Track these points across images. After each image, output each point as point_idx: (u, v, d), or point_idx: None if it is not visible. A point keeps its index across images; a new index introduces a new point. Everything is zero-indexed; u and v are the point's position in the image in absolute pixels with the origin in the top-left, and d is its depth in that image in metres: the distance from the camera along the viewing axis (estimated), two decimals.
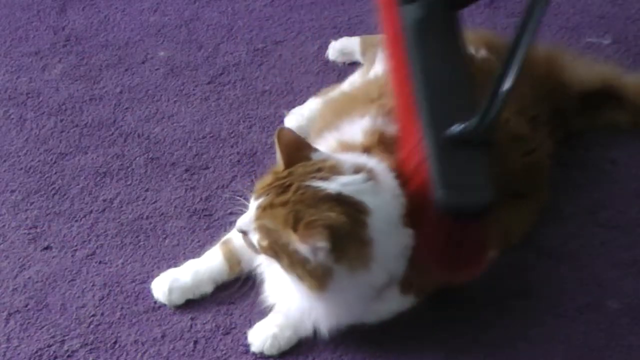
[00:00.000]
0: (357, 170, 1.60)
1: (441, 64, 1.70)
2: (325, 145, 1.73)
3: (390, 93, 1.77)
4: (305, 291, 1.58)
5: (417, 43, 1.72)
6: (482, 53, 1.92)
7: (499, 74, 1.55)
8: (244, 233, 1.62)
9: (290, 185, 1.57)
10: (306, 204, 1.55)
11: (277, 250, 1.57)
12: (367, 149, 1.69)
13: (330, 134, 1.77)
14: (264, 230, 1.58)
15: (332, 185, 1.57)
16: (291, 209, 1.55)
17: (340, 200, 1.56)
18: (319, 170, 1.59)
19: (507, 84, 1.55)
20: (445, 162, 1.58)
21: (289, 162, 1.61)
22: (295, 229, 1.53)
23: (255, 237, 1.60)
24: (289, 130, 1.67)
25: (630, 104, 2.04)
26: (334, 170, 1.59)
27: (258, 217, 1.58)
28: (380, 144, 1.70)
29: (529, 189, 1.81)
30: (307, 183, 1.57)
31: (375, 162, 1.64)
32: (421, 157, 1.61)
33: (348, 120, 1.77)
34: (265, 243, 1.58)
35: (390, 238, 1.59)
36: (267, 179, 1.62)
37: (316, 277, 1.55)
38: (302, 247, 1.53)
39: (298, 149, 1.62)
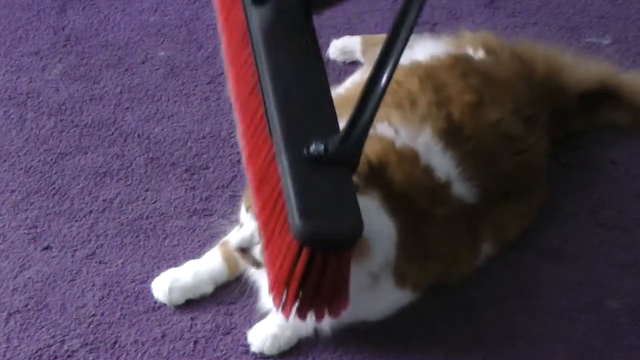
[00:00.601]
0: None
1: (295, 75, 1.52)
2: None
3: (234, 104, 1.62)
4: None
5: (268, 51, 1.53)
6: (480, 54, 1.92)
7: (363, 91, 1.43)
8: (244, 250, 1.60)
9: None
10: None
11: None
12: None
13: None
14: None
15: None
16: None
17: None
18: None
19: (371, 103, 1.42)
20: (306, 184, 1.39)
21: None
22: None
23: (258, 252, 1.58)
24: None
25: (627, 102, 2.04)
26: None
27: None
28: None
29: (524, 188, 1.81)
30: None
31: None
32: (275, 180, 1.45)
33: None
34: None
35: (381, 222, 1.58)
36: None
37: None
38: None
39: None
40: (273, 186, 1.46)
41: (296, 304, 1.45)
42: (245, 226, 1.60)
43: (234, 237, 1.61)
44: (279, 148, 1.43)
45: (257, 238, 1.56)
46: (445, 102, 1.76)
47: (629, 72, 2.12)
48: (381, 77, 1.43)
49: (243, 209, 1.62)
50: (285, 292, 1.44)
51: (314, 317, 1.49)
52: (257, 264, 1.60)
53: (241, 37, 1.60)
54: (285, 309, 1.46)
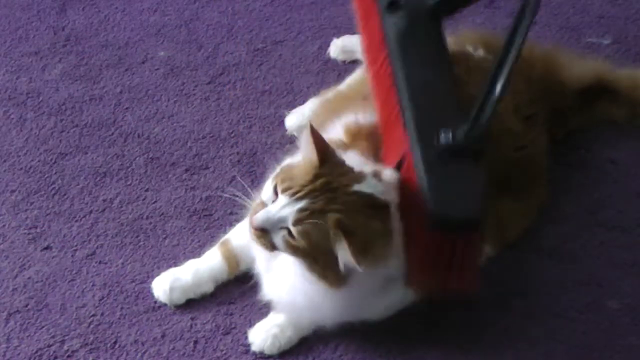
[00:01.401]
0: (375, 173, 1.59)
1: (427, 74, 1.69)
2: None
3: (373, 105, 1.75)
4: (321, 288, 1.57)
5: (402, 53, 1.71)
6: (480, 52, 1.92)
7: (489, 81, 1.54)
8: (263, 231, 1.58)
9: (336, 189, 1.55)
10: (354, 210, 1.54)
11: (311, 252, 1.55)
12: (347, 146, 1.68)
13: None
14: (307, 233, 1.53)
15: (365, 188, 1.56)
16: (344, 216, 1.52)
17: (374, 205, 1.56)
18: (351, 171, 1.58)
19: (497, 91, 1.54)
20: (436, 173, 1.55)
21: (322, 159, 1.57)
22: (350, 242, 1.50)
23: (280, 236, 1.55)
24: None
25: (624, 97, 2.05)
26: (360, 172, 1.59)
27: (304, 220, 1.53)
28: (362, 138, 1.70)
29: (524, 187, 1.81)
30: (351, 188, 1.55)
31: (372, 165, 1.63)
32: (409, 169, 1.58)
33: (337, 120, 1.77)
34: (303, 244, 1.54)
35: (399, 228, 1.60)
36: (303, 174, 1.57)
37: (339, 275, 1.55)
38: (349, 258, 1.50)
39: (326, 146, 1.59)
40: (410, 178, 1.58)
41: (431, 281, 1.59)
42: (273, 206, 1.56)
43: (259, 215, 1.56)
44: (412, 140, 1.59)
45: (283, 222, 1.54)
46: None
47: (624, 67, 2.13)
48: (503, 69, 1.54)
49: (269, 189, 1.59)
50: (420, 271, 1.58)
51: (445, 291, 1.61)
52: (272, 247, 1.58)
53: (380, 42, 1.77)
54: (420, 285, 1.61)
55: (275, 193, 1.57)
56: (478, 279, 1.61)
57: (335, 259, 1.53)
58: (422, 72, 1.69)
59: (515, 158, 1.79)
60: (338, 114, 1.79)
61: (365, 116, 1.74)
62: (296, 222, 1.53)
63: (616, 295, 1.78)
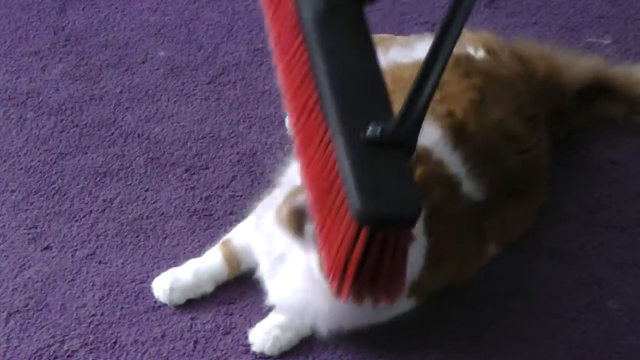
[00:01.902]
0: None
1: (350, 63, 1.54)
2: None
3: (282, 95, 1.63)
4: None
5: (321, 39, 1.55)
6: (481, 54, 1.92)
7: (421, 72, 1.45)
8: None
9: None
10: None
11: None
12: None
13: None
14: None
15: None
16: None
17: None
18: None
19: (430, 83, 1.44)
20: (363, 166, 1.42)
21: None
22: None
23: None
24: None
25: (621, 95, 2.05)
26: None
27: None
28: None
29: (527, 188, 1.81)
30: None
31: None
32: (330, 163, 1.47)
33: None
34: None
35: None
36: None
37: None
38: None
39: None
40: (329, 170, 1.47)
41: (354, 288, 1.44)
42: None
43: (302, 197, 1.51)
44: (335, 132, 1.45)
45: None
46: (449, 101, 1.76)
47: (620, 64, 2.13)
48: (437, 61, 1.45)
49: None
50: (342, 274, 1.43)
51: (371, 301, 1.49)
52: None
53: (292, 28, 1.62)
54: (342, 292, 1.45)
55: None
56: (404, 284, 1.49)
57: None
58: (346, 60, 1.53)
59: (519, 161, 1.79)
60: None
61: None
62: None
63: (616, 295, 1.78)
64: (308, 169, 1.52)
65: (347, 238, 1.41)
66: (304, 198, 1.52)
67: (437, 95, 1.74)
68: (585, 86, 2.03)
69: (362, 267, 1.42)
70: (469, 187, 1.70)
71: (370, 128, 1.44)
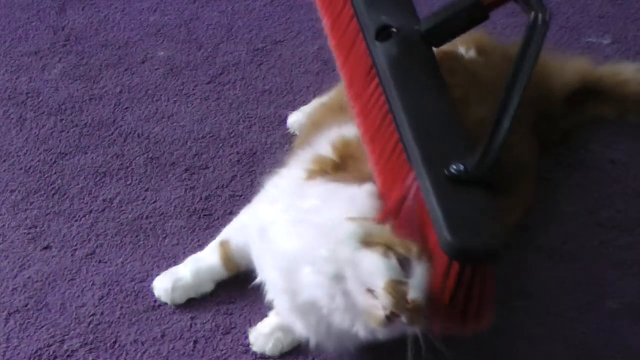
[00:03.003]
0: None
1: (427, 104, 1.60)
2: (299, 165, 1.69)
3: (363, 142, 1.66)
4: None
5: (397, 82, 1.62)
6: (472, 54, 1.92)
7: (499, 109, 1.50)
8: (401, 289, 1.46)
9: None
10: None
11: None
12: (338, 166, 1.65)
13: (304, 152, 1.73)
14: None
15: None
16: None
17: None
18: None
19: (507, 122, 1.50)
20: (451, 203, 1.47)
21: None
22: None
23: None
24: None
25: (609, 95, 2.05)
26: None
27: None
28: (352, 156, 1.66)
29: (507, 187, 1.79)
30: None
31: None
32: (413, 203, 1.51)
33: (321, 135, 1.74)
34: None
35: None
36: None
37: None
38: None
39: None
40: (418, 208, 1.51)
41: (447, 316, 1.48)
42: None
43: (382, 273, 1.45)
44: (420, 172, 1.51)
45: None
46: None
47: (605, 65, 2.13)
48: (514, 98, 1.49)
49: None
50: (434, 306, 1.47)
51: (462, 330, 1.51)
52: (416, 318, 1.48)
53: (366, 73, 1.68)
54: (434, 323, 1.47)
55: (404, 263, 1.48)
56: (493, 313, 1.53)
57: None
58: (422, 101, 1.61)
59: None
60: (323, 127, 1.76)
61: (353, 128, 1.70)
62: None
63: (616, 295, 1.78)
64: (393, 210, 1.54)
65: (439, 273, 1.45)
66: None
67: None
68: (574, 90, 2.02)
69: (454, 299, 1.46)
70: None
71: (453, 166, 1.50)
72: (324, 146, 1.69)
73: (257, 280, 1.68)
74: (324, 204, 1.56)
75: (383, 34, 1.68)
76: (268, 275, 1.63)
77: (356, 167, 1.64)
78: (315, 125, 1.82)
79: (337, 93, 1.93)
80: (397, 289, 1.43)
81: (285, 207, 1.60)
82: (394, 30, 1.68)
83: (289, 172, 1.71)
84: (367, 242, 1.47)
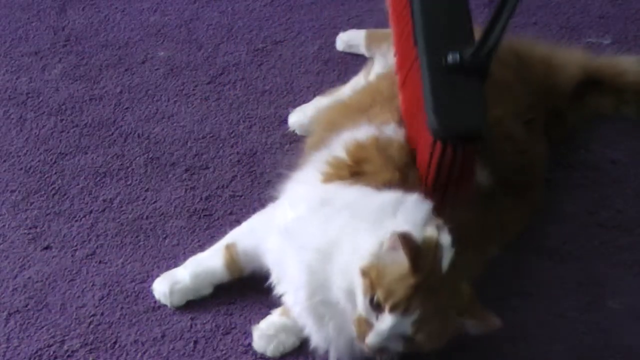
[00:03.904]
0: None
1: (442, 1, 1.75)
2: (316, 167, 1.71)
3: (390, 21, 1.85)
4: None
5: None
6: None
7: (496, 8, 1.59)
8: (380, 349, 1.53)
9: (438, 287, 1.51)
10: (457, 288, 1.55)
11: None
12: (353, 169, 1.67)
13: (320, 153, 1.74)
14: (430, 334, 1.52)
15: (446, 260, 1.54)
16: (457, 300, 1.54)
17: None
18: (439, 256, 1.53)
19: (503, 16, 1.59)
20: (441, 87, 1.62)
21: (415, 266, 1.50)
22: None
23: (399, 344, 1.52)
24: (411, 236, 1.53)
25: (608, 85, 2.05)
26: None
27: (422, 326, 1.50)
28: (366, 160, 1.68)
29: (523, 190, 1.81)
30: (444, 270, 1.53)
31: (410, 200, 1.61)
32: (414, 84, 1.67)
33: (337, 136, 1.75)
34: (426, 340, 1.52)
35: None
36: (399, 283, 1.49)
37: None
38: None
39: (418, 252, 1.51)
40: (414, 88, 1.68)
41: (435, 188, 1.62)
42: (382, 325, 1.50)
43: (372, 338, 1.50)
44: (421, 55, 1.67)
45: (400, 335, 1.50)
46: None
47: (603, 56, 2.13)
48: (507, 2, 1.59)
49: (363, 301, 1.52)
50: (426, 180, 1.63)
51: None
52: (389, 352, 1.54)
53: None
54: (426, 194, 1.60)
55: (376, 306, 1.51)
56: (473, 186, 1.67)
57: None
58: None
59: (516, 162, 1.79)
60: (338, 129, 1.77)
61: (366, 131, 1.72)
62: (415, 332, 1.50)
63: (616, 295, 1.78)
64: (402, 91, 1.73)
65: (426, 151, 1.62)
66: (373, 335, 1.51)
67: None
68: (578, 82, 2.03)
69: (438, 174, 1.61)
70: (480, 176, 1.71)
71: (450, 55, 1.64)
72: (339, 149, 1.71)
73: (271, 280, 1.68)
74: (355, 206, 1.60)
75: None
76: (289, 272, 1.63)
77: (373, 171, 1.65)
78: (331, 125, 1.82)
79: (355, 93, 1.93)
80: (361, 324, 1.52)
81: (312, 207, 1.64)
82: None
83: (307, 175, 1.72)
84: (364, 272, 1.51)
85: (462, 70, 1.63)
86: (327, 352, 1.64)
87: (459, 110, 1.61)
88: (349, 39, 2.26)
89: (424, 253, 1.50)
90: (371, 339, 1.51)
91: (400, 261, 1.49)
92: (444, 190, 1.62)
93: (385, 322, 1.50)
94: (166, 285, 1.74)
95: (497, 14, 1.59)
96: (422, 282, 1.49)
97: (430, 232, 1.53)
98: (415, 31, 1.72)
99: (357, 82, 2.01)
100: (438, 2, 1.75)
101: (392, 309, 1.49)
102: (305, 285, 1.59)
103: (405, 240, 1.48)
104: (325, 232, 1.59)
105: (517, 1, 1.58)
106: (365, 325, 1.52)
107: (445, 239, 1.54)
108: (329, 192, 1.65)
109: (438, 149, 1.59)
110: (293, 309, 1.64)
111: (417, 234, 1.51)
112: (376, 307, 1.50)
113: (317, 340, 1.63)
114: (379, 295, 1.49)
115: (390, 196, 1.60)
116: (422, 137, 1.64)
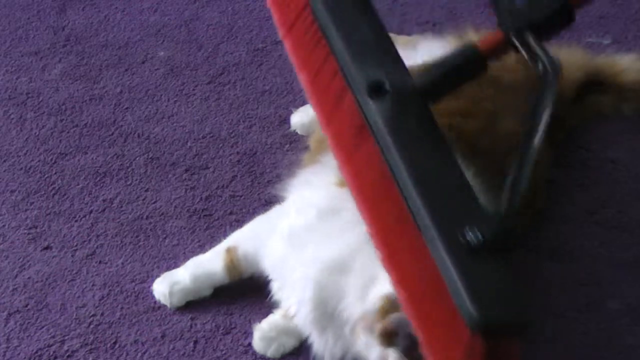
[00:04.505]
0: None
1: (431, 164, 1.45)
2: (327, 171, 1.65)
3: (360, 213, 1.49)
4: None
5: (397, 143, 1.44)
6: None
7: (514, 172, 1.39)
8: (393, 332, 1.45)
9: None
10: None
11: None
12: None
13: (329, 156, 1.62)
14: None
15: None
16: None
17: None
18: None
19: (523, 181, 1.38)
20: (470, 274, 1.33)
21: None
22: None
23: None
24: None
25: (608, 84, 2.05)
26: None
27: None
28: None
29: (527, 200, 1.79)
30: None
31: None
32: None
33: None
34: None
35: None
36: None
37: None
38: None
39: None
40: (429, 278, 1.39)
41: None
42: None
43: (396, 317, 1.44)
44: (431, 239, 1.37)
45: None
46: (464, 112, 1.72)
47: (603, 55, 2.13)
48: (526, 163, 1.40)
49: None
50: None
51: None
52: (387, 344, 1.47)
53: (355, 133, 1.51)
54: None
55: None
56: None
57: None
58: (426, 163, 1.45)
59: None
60: None
61: None
62: None
63: (616, 295, 1.77)
64: (403, 281, 1.43)
65: (458, 348, 1.34)
66: (399, 316, 1.44)
67: (454, 104, 1.68)
68: (580, 86, 2.02)
69: None
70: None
71: (469, 233, 1.36)
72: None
73: (272, 287, 1.67)
74: None
75: (377, 90, 1.49)
76: (292, 283, 1.60)
77: None
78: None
79: None
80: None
81: (323, 214, 1.58)
82: (387, 86, 1.49)
83: (316, 177, 1.69)
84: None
85: (486, 250, 1.35)
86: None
87: (500, 300, 1.33)
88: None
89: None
90: (397, 317, 1.43)
91: None
92: None
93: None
94: (166, 286, 1.74)
95: (514, 181, 1.38)
96: None
97: None
98: (412, 210, 1.40)
99: None
100: (431, 171, 1.44)
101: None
102: (311, 301, 1.56)
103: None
104: (337, 246, 1.53)
105: (533, 167, 1.38)
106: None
107: None
108: (342, 198, 1.54)
109: (479, 346, 1.31)
110: (295, 318, 1.64)
111: None
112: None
113: (317, 347, 1.62)
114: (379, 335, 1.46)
115: None
116: (446, 326, 1.36)
